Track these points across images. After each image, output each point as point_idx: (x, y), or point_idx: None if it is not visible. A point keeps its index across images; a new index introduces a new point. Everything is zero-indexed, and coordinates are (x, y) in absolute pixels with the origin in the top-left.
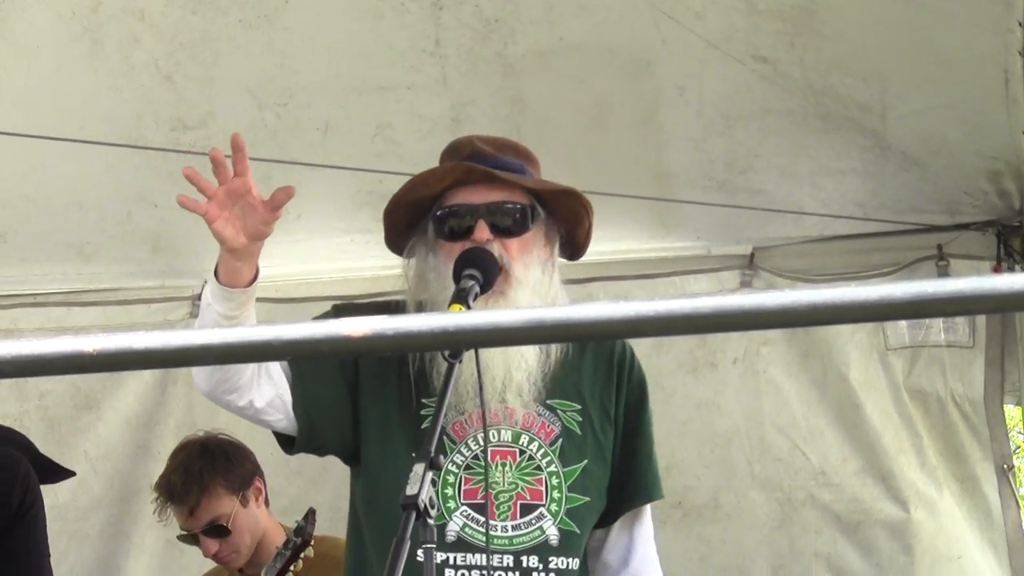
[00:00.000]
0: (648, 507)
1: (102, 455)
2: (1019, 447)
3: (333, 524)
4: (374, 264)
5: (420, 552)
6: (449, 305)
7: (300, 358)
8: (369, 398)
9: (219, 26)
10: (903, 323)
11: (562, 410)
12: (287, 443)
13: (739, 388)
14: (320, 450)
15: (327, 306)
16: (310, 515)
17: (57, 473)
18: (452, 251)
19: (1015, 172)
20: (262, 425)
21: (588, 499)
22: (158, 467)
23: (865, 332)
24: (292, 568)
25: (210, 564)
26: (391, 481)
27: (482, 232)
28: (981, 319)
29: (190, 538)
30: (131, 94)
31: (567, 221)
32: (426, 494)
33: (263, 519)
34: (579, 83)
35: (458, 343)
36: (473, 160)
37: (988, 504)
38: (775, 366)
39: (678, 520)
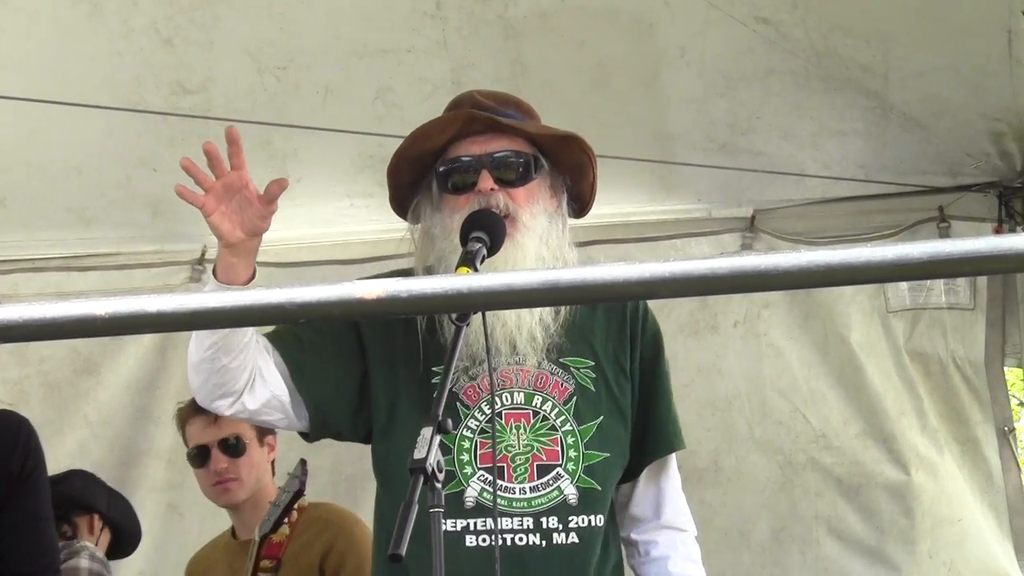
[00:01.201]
0: (673, 458)
1: (102, 419)
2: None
3: (333, 488)
4: (375, 228)
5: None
6: (456, 268)
7: (313, 321)
8: (377, 370)
9: None
10: (904, 285)
11: (575, 367)
12: (304, 434)
13: (740, 351)
14: (339, 436)
15: (328, 270)
16: (302, 465)
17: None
18: (457, 204)
19: (1017, 133)
20: (263, 426)
21: (607, 455)
22: (158, 431)
23: (866, 295)
24: (287, 519)
25: (208, 531)
26: (404, 450)
27: (486, 182)
28: (982, 281)
29: (199, 457)
30: (131, 58)
31: (571, 172)
32: (434, 458)
33: (268, 474)
34: (580, 45)
35: (472, 305)
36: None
37: (989, 466)
38: (776, 329)
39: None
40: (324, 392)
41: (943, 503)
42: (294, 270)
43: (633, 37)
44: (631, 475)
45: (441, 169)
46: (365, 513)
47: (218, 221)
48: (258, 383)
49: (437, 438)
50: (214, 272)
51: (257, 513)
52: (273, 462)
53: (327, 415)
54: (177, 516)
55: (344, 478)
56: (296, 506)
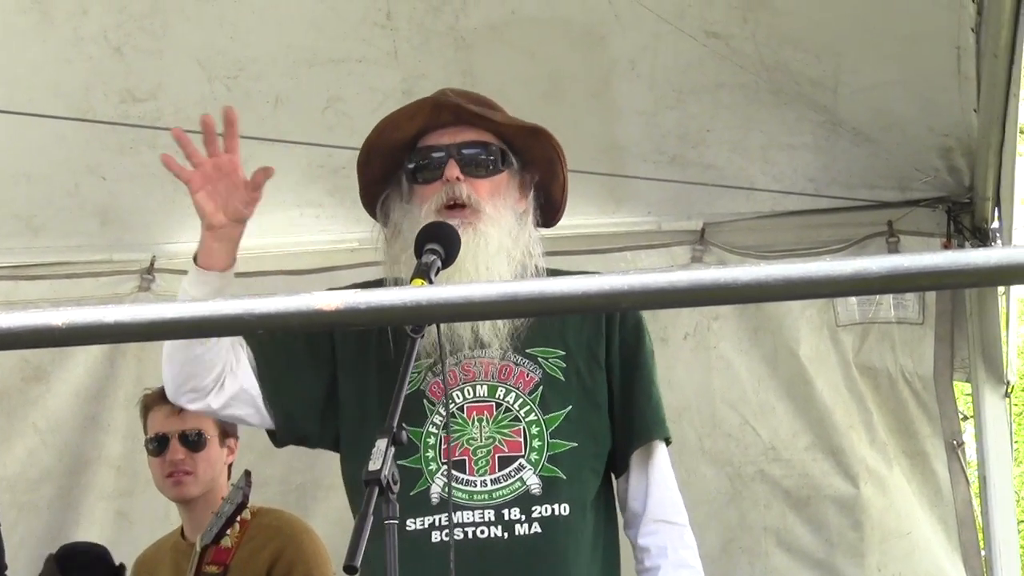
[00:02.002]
0: (662, 447)
1: (51, 427)
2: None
3: (283, 497)
4: (325, 238)
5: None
6: (411, 280)
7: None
8: (348, 376)
9: None
10: (853, 299)
11: (543, 357)
12: (272, 435)
13: (690, 363)
14: (305, 441)
15: (277, 281)
16: (246, 477)
17: None
18: (424, 194)
19: (966, 149)
20: (232, 421)
21: (575, 444)
22: (107, 439)
23: (815, 308)
24: (229, 532)
25: (158, 535)
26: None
27: (452, 171)
28: (931, 296)
29: (158, 445)
30: (80, 66)
31: (541, 170)
32: (388, 469)
33: (223, 475)
34: (531, 56)
35: (431, 317)
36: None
37: (938, 480)
38: (726, 341)
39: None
40: (289, 394)
41: (892, 516)
42: (243, 280)
43: (584, 49)
44: (621, 467)
45: (409, 161)
46: (315, 522)
47: (203, 199)
48: (228, 378)
49: (392, 449)
50: (195, 259)
51: (207, 514)
52: (231, 465)
53: (291, 417)
54: (126, 524)
55: (294, 487)
56: (239, 518)
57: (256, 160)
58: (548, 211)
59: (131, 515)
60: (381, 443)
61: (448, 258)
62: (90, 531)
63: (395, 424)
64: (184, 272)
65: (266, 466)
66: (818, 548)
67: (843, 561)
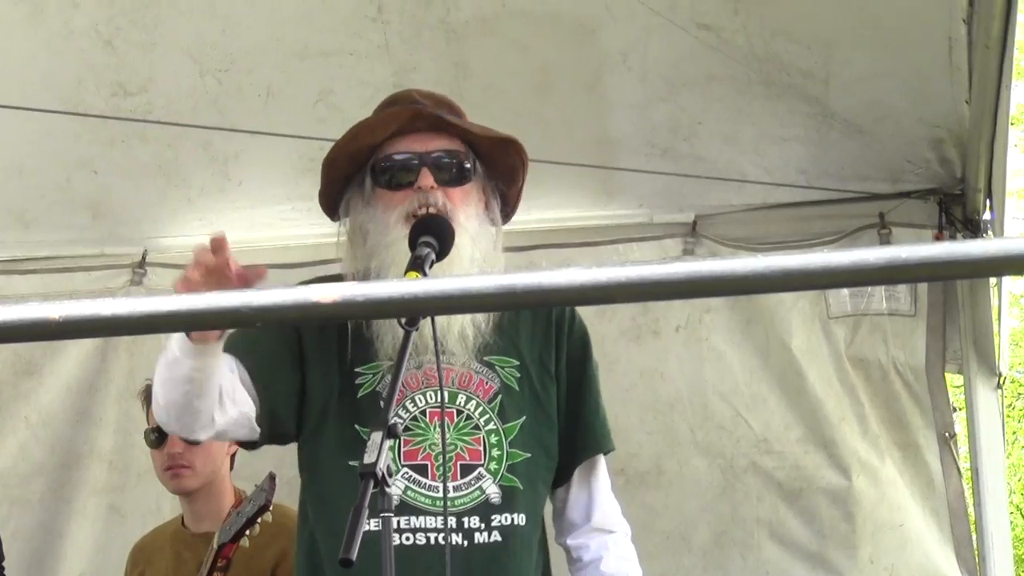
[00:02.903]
0: (602, 459)
1: (43, 421)
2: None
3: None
4: (315, 232)
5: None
6: (405, 272)
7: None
8: (313, 370)
9: None
10: (845, 291)
11: (500, 366)
12: (249, 444)
13: (682, 355)
14: (283, 438)
15: (269, 274)
16: (271, 479)
17: None
18: (393, 200)
19: (957, 140)
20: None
21: (529, 455)
22: (99, 433)
23: (807, 300)
24: (248, 532)
25: (150, 529)
26: (332, 450)
27: (426, 179)
28: (923, 287)
29: (157, 438)
30: (71, 59)
31: (503, 177)
32: (384, 462)
33: (225, 467)
34: (522, 49)
35: (428, 309)
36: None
37: (930, 472)
38: (718, 334)
39: (621, 487)
40: (277, 395)
41: (884, 508)
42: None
43: (575, 42)
44: (563, 478)
45: (379, 165)
46: None
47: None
48: (227, 404)
49: (388, 442)
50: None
51: (209, 505)
52: (233, 456)
53: (276, 417)
54: (119, 518)
55: (285, 481)
56: (259, 520)
57: (247, 152)
58: (502, 213)
59: (123, 509)
60: (376, 436)
61: (442, 251)
62: (82, 525)
63: (390, 417)
64: (176, 266)
65: (259, 461)
66: (810, 540)
67: (835, 553)
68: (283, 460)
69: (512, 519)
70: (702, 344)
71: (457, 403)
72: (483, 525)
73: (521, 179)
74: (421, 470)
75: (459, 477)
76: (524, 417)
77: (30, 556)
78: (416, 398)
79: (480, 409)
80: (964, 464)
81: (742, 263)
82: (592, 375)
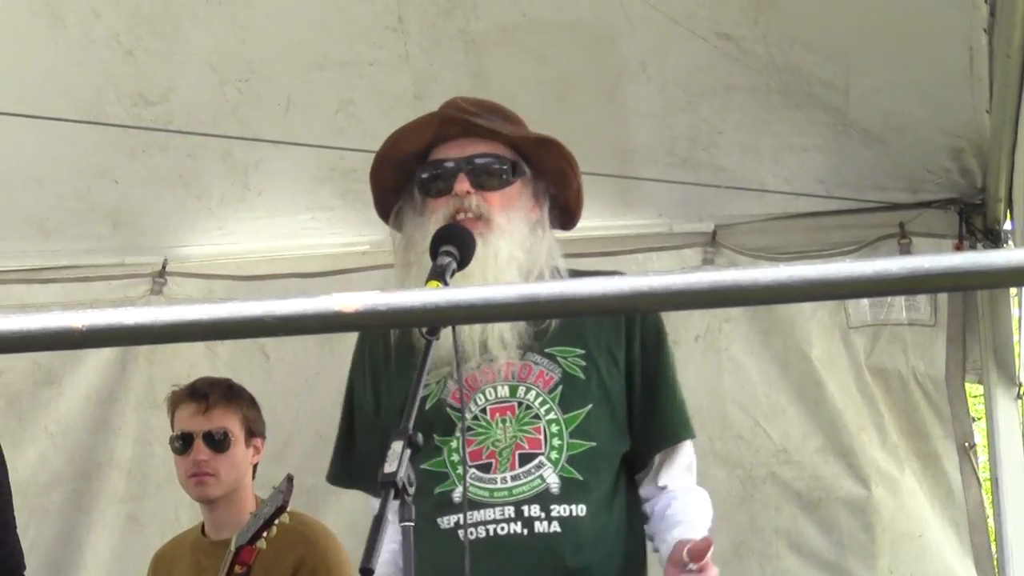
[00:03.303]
0: (684, 446)
1: (62, 431)
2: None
3: (293, 500)
4: (336, 241)
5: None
6: (426, 282)
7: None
8: (390, 392)
9: (180, 0)
10: (865, 301)
11: (562, 356)
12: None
13: (701, 365)
14: None
15: (289, 284)
16: (288, 482)
17: None
18: (435, 207)
19: (977, 150)
20: None
21: (593, 444)
22: (118, 443)
23: (827, 310)
24: (266, 534)
25: (168, 538)
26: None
27: (462, 184)
28: (943, 297)
29: (182, 444)
30: (91, 69)
31: (554, 179)
32: (404, 472)
33: (248, 476)
34: (541, 59)
35: (451, 318)
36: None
37: (949, 482)
38: (737, 344)
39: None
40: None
41: (903, 518)
42: (255, 283)
43: (594, 52)
44: (641, 466)
45: (421, 173)
46: (325, 524)
47: None
48: None
49: (407, 452)
50: None
51: (230, 513)
52: (255, 465)
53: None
54: (138, 527)
55: (305, 490)
56: (277, 522)
57: (267, 162)
58: (564, 217)
59: (142, 519)
60: (396, 446)
61: (463, 260)
62: (101, 535)
63: (410, 426)
64: (196, 275)
65: (276, 468)
66: (829, 550)
67: (854, 563)
68: (302, 468)
69: (571, 510)
70: (721, 354)
71: (517, 395)
72: (543, 514)
73: (574, 181)
74: (484, 467)
75: (517, 466)
76: (590, 406)
77: (49, 566)
78: (476, 398)
79: (540, 399)
80: (984, 474)
81: (765, 273)
82: (667, 363)
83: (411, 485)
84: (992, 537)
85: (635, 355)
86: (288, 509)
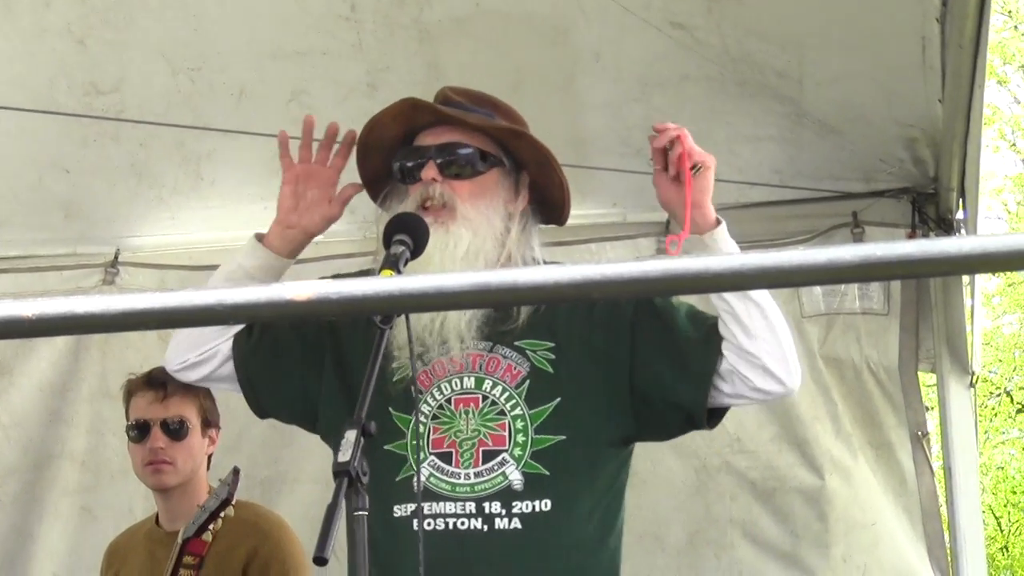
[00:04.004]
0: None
1: (15, 422)
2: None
3: (247, 491)
4: None
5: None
6: (380, 271)
7: (243, 321)
8: (343, 361)
9: None
10: (818, 290)
11: (531, 350)
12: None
13: None
14: (285, 414)
15: None
16: (234, 474)
17: None
18: (408, 193)
19: (930, 140)
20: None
21: (562, 437)
22: (71, 433)
23: (780, 299)
24: (212, 527)
25: (122, 529)
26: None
27: (429, 171)
28: (896, 286)
29: (139, 432)
30: (43, 58)
31: (536, 173)
32: (357, 460)
33: (203, 466)
34: (496, 49)
35: (403, 307)
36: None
37: (903, 471)
38: None
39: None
40: (264, 366)
41: (857, 507)
42: (208, 273)
43: (548, 42)
44: (700, 417)
45: (396, 160)
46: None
47: (286, 196)
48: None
49: (361, 440)
50: (259, 236)
51: (184, 503)
52: (210, 456)
53: (256, 388)
54: (91, 519)
55: (259, 481)
56: (222, 515)
57: (220, 152)
58: (551, 211)
59: (95, 510)
60: (350, 434)
61: (417, 249)
62: (54, 526)
63: (364, 415)
64: (149, 265)
65: (230, 459)
66: (784, 540)
67: (808, 552)
68: (256, 459)
69: (534, 506)
70: None
71: (483, 388)
72: (504, 511)
73: (555, 174)
74: (446, 457)
75: (481, 463)
76: (559, 399)
77: (2, 558)
78: (442, 385)
79: (506, 395)
80: (937, 463)
81: (718, 261)
82: (667, 309)
83: (364, 475)
84: (945, 525)
85: (626, 339)
86: (233, 502)
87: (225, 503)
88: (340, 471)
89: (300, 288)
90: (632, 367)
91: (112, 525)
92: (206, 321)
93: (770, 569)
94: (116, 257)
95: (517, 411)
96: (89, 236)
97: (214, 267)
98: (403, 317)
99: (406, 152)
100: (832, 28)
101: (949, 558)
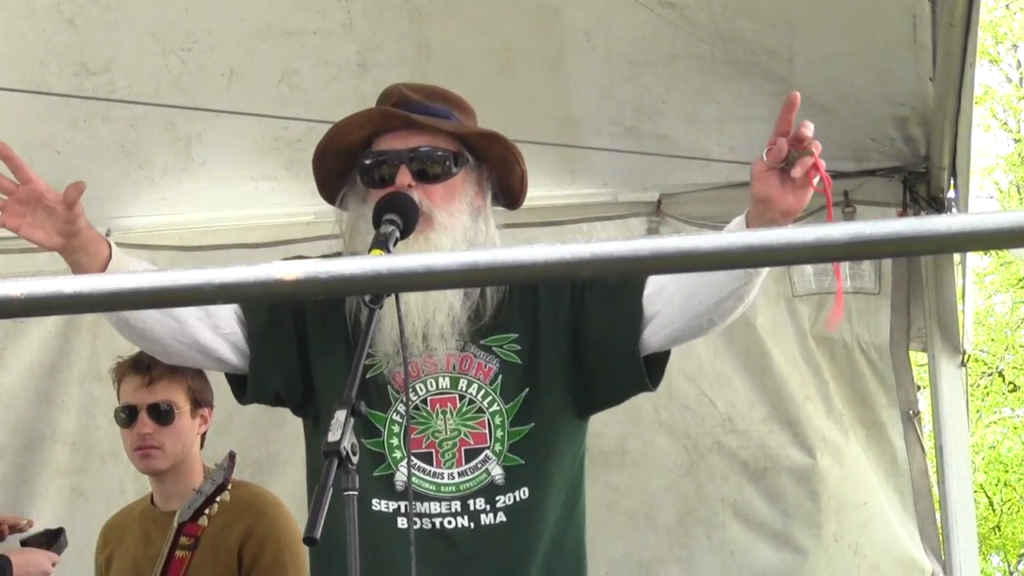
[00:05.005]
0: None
1: (5, 404)
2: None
3: (238, 472)
4: (279, 211)
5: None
6: (369, 250)
7: (232, 301)
8: (318, 352)
9: None
10: (809, 269)
11: (498, 346)
12: (239, 391)
13: None
14: (275, 400)
15: (232, 254)
16: (230, 459)
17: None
18: (377, 198)
19: (921, 118)
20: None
21: (531, 425)
22: (62, 415)
23: (772, 279)
24: (207, 511)
25: (113, 511)
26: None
27: (403, 177)
28: (887, 265)
29: (127, 417)
30: (33, 38)
31: (498, 168)
32: (348, 440)
33: (196, 446)
34: (486, 29)
35: (392, 286)
36: (399, 107)
37: (894, 450)
38: None
39: (585, 466)
40: (267, 347)
41: (848, 487)
42: (199, 254)
43: (538, 21)
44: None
45: (363, 163)
46: None
47: (28, 233)
48: (205, 324)
49: (351, 420)
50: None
51: (179, 484)
52: (203, 435)
53: (262, 370)
54: (82, 501)
55: (250, 462)
56: (218, 499)
57: (210, 132)
58: (508, 198)
59: (86, 492)
60: (340, 414)
61: (406, 228)
62: (44, 508)
63: (353, 395)
64: (139, 246)
65: (221, 441)
66: (775, 519)
67: (800, 531)
68: (247, 441)
69: (515, 496)
70: None
71: (459, 387)
72: (488, 507)
73: (518, 167)
74: (426, 457)
75: (464, 462)
76: (527, 389)
77: None
78: (417, 386)
79: (482, 392)
80: (928, 442)
81: (707, 239)
82: (594, 284)
83: (355, 454)
84: (937, 504)
85: (562, 314)
86: (228, 487)
87: (221, 488)
88: (330, 451)
89: (289, 268)
90: (575, 332)
91: (103, 506)
92: (195, 301)
93: (762, 548)
94: (106, 238)
95: (495, 407)
96: None
97: (205, 248)
98: (392, 297)
99: (374, 155)
100: (823, 7)
101: (940, 537)
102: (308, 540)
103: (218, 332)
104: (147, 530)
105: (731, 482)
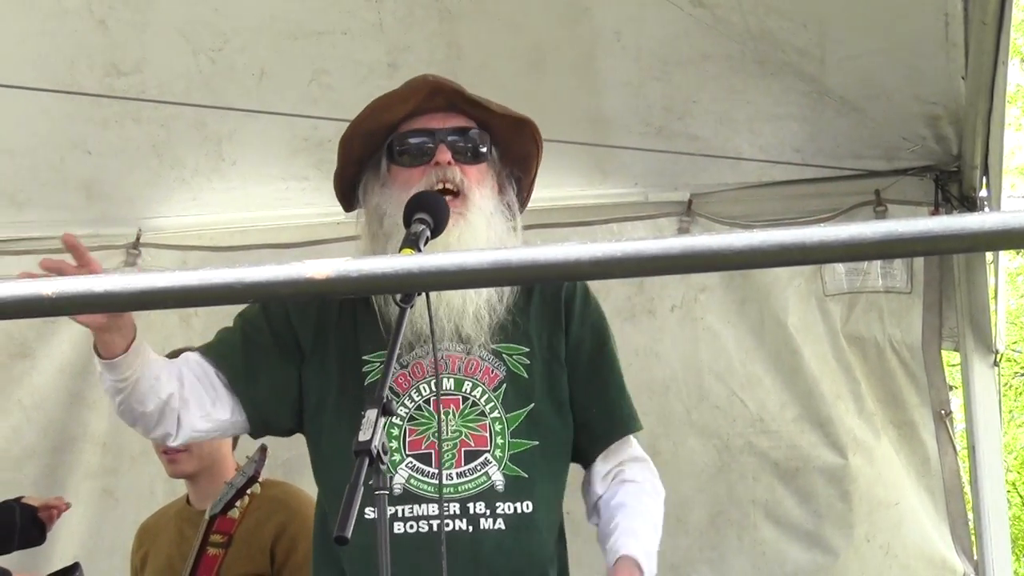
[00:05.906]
0: (632, 439)
1: (36, 404)
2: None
3: (269, 472)
4: (309, 211)
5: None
6: (400, 249)
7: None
8: (310, 362)
9: None
10: (841, 269)
11: (508, 354)
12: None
13: (677, 335)
14: (282, 433)
15: (263, 254)
16: (261, 452)
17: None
18: (412, 177)
19: (953, 117)
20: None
21: (535, 443)
22: (92, 416)
23: (803, 278)
24: (238, 504)
25: (143, 517)
26: (337, 438)
27: (444, 154)
28: (919, 264)
29: None
30: (64, 39)
31: (518, 164)
32: (379, 440)
33: (226, 445)
34: (516, 28)
35: (423, 285)
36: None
37: (926, 450)
38: (713, 313)
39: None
40: (259, 397)
41: (880, 487)
42: (229, 254)
43: (569, 20)
44: (587, 460)
45: (396, 143)
46: None
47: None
48: (191, 407)
49: (382, 420)
50: (97, 351)
51: (212, 483)
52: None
53: (267, 417)
54: (112, 502)
55: (280, 463)
56: (249, 492)
57: (242, 132)
58: (517, 199)
59: (116, 493)
60: (371, 413)
61: (437, 228)
62: (75, 509)
63: (385, 394)
64: (170, 247)
65: (252, 441)
66: (806, 520)
67: (831, 532)
68: (278, 442)
69: (517, 507)
70: (697, 323)
71: (463, 390)
72: (488, 512)
73: (535, 167)
74: (425, 459)
75: (463, 463)
76: (532, 405)
77: None
78: (420, 387)
79: (485, 397)
80: (960, 442)
81: (739, 238)
82: (611, 357)
83: (385, 453)
84: (968, 505)
85: (574, 350)
86: (260, 479)
87: (252, 480)
88: (361, 450)
89: (320, 266)
90: (573, 380)
91: (133, 508)
92: (226, 300)
93: (793, 549)
94: (138, 238)
95: (495, 414)
96: (111, 217)
97: (236, 248)
98: (423, 296)
99: (412, 134)
100: (854, 5)
101: (973, 538)
102: (339, 539)
103: (208, 419)
104: (181, 529)
105: (762, 483)
